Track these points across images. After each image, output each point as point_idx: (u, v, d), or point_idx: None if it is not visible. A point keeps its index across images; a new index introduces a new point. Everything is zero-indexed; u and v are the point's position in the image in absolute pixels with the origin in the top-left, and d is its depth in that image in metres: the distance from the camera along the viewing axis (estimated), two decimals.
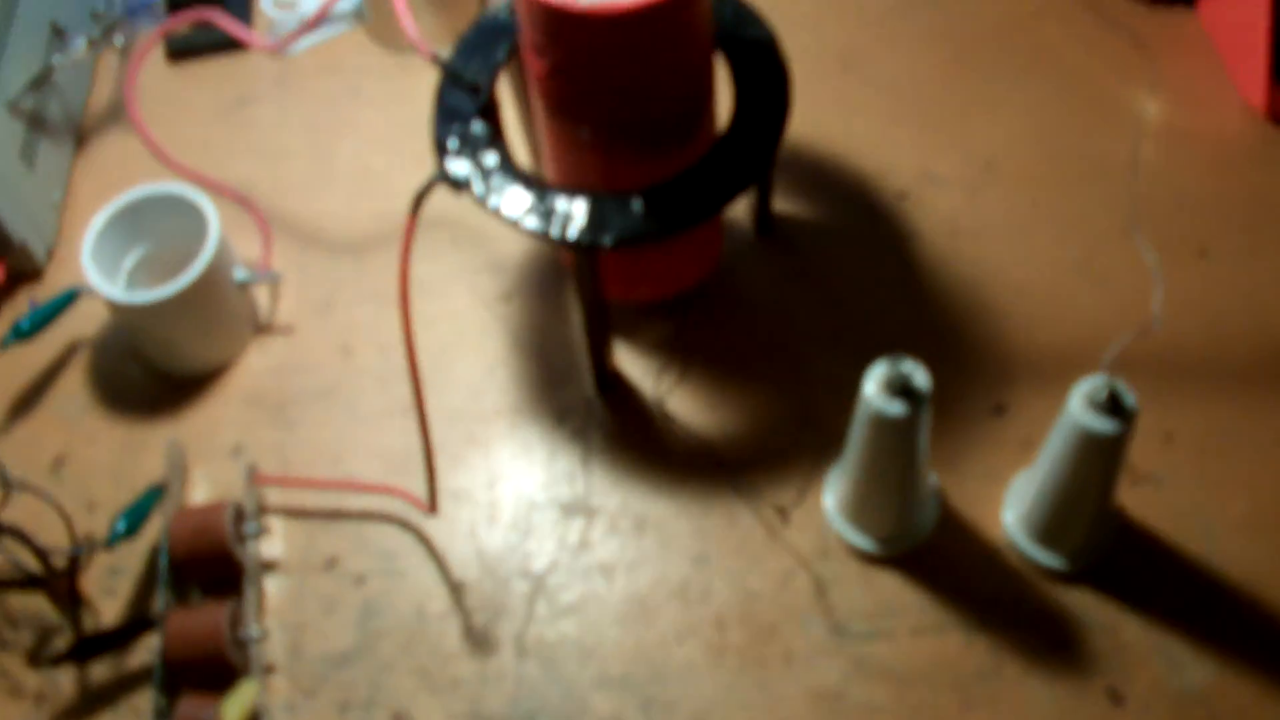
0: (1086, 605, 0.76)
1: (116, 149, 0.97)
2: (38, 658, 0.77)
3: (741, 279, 0.89)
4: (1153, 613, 0.76)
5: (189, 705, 0.72)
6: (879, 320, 0.85)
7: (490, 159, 0.74)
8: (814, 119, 0.96)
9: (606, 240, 0.71)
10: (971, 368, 0.84)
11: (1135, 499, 0.79)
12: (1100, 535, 0.77)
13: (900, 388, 0.68)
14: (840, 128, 0.96)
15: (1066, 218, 0.90)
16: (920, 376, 0.68)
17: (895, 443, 0.71)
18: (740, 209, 0.91)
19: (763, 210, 0.89)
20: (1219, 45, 0.97)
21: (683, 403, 0.84)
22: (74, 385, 0.87)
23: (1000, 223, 0.90)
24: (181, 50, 1.00)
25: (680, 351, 0.86)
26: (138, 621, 0.77)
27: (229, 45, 1.00)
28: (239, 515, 0.78)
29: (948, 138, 0.95)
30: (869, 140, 0.95)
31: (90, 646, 0.77)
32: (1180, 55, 0.98)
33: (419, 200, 0.70)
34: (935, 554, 0.78)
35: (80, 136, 0.97)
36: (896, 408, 0.68)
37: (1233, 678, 0.73)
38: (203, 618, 0.75)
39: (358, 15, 1.00)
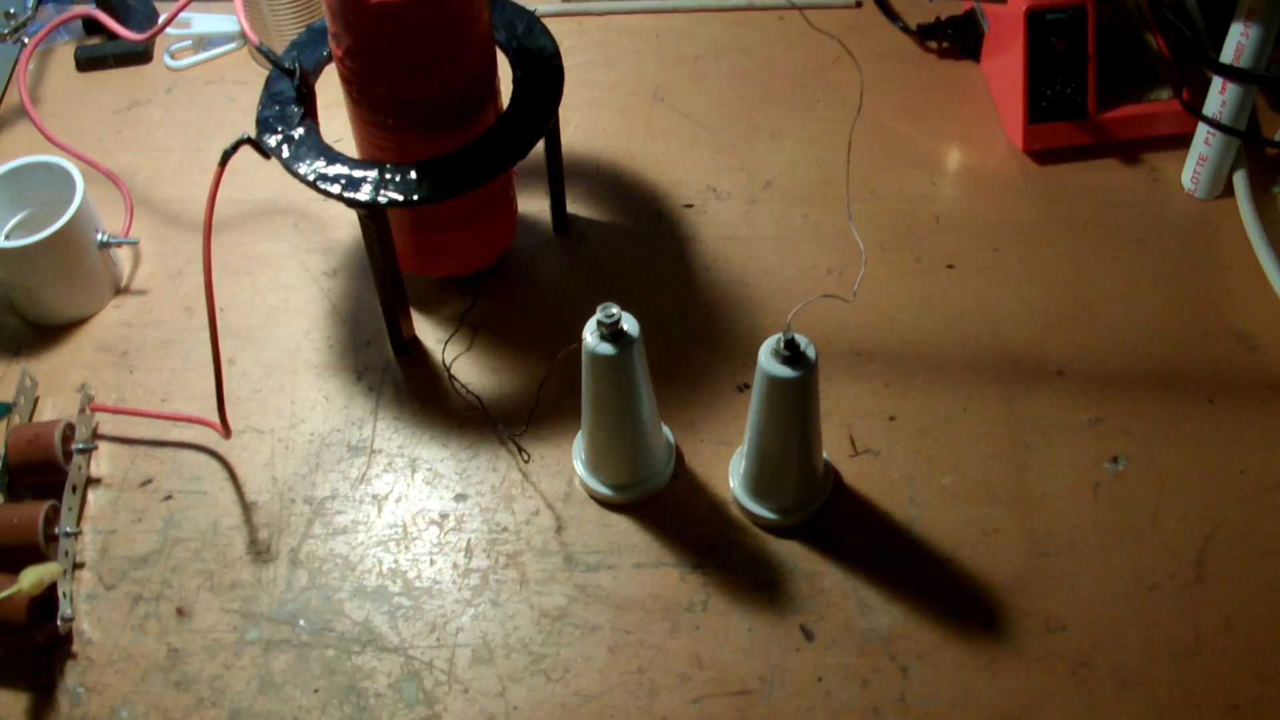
0: (795, 554, 0.86)
1: (21, 138, 1.11)
2: None
3: (534, 268, 1.01)
4: (853, 565, 0.85)
5: None
6: (651, 308, 0.97)
7: (299, 133, 0.87)
8: (619, 141, 1.10)
9: (383, 200, 0.83)
10: (725, 351, 0.95)
11: (854, 468, 0.89)
12: (809, 492, 0.87)
13: (611, 331, 0.79)
14: (643, 149, 1.09)
15: (830, 233, 1.02)
16: (629, 322, 0.79)
17: (611, 382, 0.81)
18: (542, 210, 1.04)
19: (558, 211, 1.01)
20: (993, 93, 1.10)
21: (467, 367, 0.95)
22: None
23: (772, 233, 1.02)
24: (90, 60, 1.15)
25: (471, 324, 0.98)
26: None
27: (131, 60, 1.15)
28: (69, 432, 0.90)
29: (737, 160, 1.08)
30: (666, 160, 1.08)
31: None
32: (961, 101, 1.11)
33: (226, 155, 0.83)
34: (667, 503, 0.88)
35: None
36: (607, 348, 0.79)
37: (914, 623, 0.82)
38: (23, 510, 0.86)
39: (242, 36, 1.15)
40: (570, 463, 0.90)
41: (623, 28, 1.20)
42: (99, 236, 0.97)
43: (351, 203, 0.84)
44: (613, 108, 1.12)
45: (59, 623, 0.83)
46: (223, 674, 0.82)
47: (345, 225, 1.04)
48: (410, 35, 0.81)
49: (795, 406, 0.80)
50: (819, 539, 0.86)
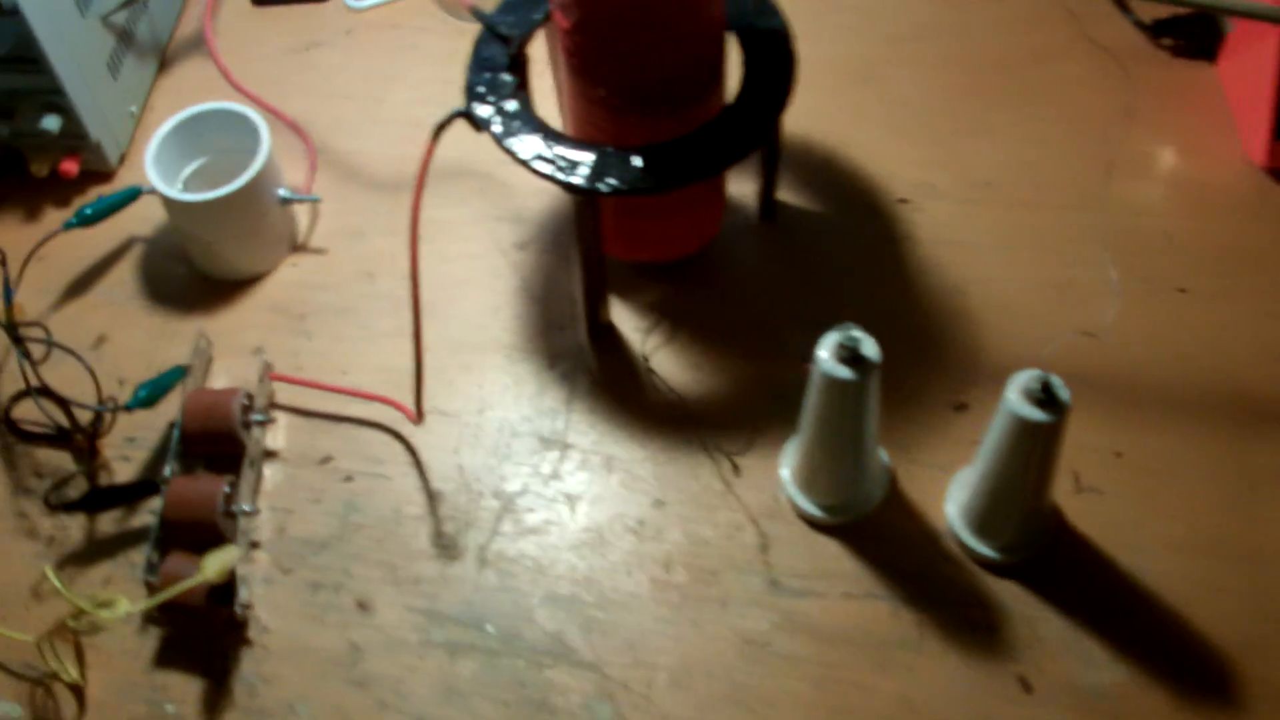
0: (1013, 597, 0.80)
1: (196, 74, 1.06)
2: (52, 500, 0.86)
3: (739, 257, 0.95)
4: (1074, 613, 0.80)
5: (175, 560, 0.79)
6: (861, 312, 0.90)
7: (512, 106, 0.81)
8: (828, 124, 1.02)
9: (603, 188, 0.77)
10: (941, 366, 0.89)
11: (1077, 506, 0.83)
12: (1034, 532, 0.81)
13: (851, 355, 0.73)
14: (851, 134, 1.02)
15: (1053, 243, 0.95)
16: (869, 346, 0.73)
17: (842, 407, 0.76)
18: (748, 193, 0.97)
19: (767, 196, 0.95)
20: (1231, 100, 1.02)
21: (666, 361, 0.90)
22: (124, 275, 0.96)
23: (989, 240, 0.95)
24: None
25: (671, 314, 0.92)
26: (145, 483, 0.85)
27: None
28: (249, 403, 0.86)
29: (950, 155, 1.00)
30: (876, 148, 1.01)
31: (100, 498, 0.85)
32: (1194, 107, 1.03)
33: (439, 129, 0.78)
34: (878, 529, 0.83)
35: (164, 59, 1.07)
36: (845, 372, 0.73)
37: (1140, 684, 0.77)
38: (202, 486, 0.82)
39: None
40: (775, 476, 0.85)
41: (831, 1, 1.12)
42: (280, 192, 0.93)
43: (567, 187, 0.78)
44: (819, 88, 1.04)
45: (237, 609, 0.79)
46: (406, 676, 0.78)
47: (536, 194, 0.98)
48: (654, 14, 0.75)
49: (1039, 450, 0.75)
50: (1038, 581, 0.81)
